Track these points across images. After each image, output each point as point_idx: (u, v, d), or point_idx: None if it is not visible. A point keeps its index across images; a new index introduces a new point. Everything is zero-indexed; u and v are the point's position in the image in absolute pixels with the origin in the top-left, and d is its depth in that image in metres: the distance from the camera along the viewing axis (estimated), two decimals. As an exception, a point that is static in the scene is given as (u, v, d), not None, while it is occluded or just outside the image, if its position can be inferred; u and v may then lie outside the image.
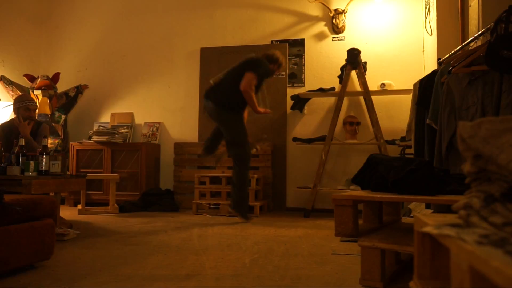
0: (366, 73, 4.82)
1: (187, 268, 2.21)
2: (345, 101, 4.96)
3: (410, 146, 3.81)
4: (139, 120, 5.80)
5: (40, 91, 5.28)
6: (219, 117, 3.91)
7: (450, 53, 3.01)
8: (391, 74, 5.00)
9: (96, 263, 2.31)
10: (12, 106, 4.02)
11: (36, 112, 5.01)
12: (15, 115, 3.91)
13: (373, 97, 4.64)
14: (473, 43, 2.75)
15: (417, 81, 3.33)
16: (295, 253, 2.60)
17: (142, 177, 5.25)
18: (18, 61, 5.73)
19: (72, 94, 5.81)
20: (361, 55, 4.70)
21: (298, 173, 5.18)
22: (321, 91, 4.93)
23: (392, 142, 4.54)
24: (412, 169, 1.80)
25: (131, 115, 5.80)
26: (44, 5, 6.18)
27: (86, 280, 1.99)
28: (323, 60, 5.27)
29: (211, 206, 4.70)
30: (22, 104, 3.85)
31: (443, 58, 3.15)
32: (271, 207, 5.01)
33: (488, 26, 2.43)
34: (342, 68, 4.88)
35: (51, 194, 3.32)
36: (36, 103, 4.25)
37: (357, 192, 1.99)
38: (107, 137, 5.32)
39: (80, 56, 6.06)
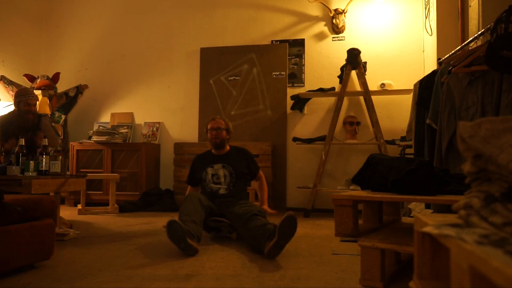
0: (366, 73, 4.82)
1: (187, 268, 2.21)
2: (345, 101, 4.96)
3: (410, 146, 3.81)
4: (139, 120, 5.80)
5: (40, 91, 5.27)
6: None
7: (450, 53, 3.01)
8: (391, 74, 5.00)
9: (96, 263, 2.31)
10: (12, 103, 4.00)
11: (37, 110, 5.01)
12: (15, 109, 3.89)
13: (373, 97, 4.64)
14: (473, 43, 2.75)
15: (417, 81, 3.33)
16: (295, 253, 2.60)
17: (142, 177, 5.25)
18: (18, 61, 5.73)
19: (72, 94, 5.81)
20: (361, 55, 4.70)
21: (298, 173, 5.18)
22: (321, 91, 4.93)
23: (392, 142, 4.54)
24: (412, 169, 1.80)
25: (131, 115, 5.80)
26: (44, 5, 6.18)
27: (86, 280, 1.99)
28: (323, 60, 5.27)
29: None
30: (22, 99, 3.83)
31: (443, 58, 3.15)
32: (271, 207, 5.00)
33: (488, 26, 2.43)
34: (342, 68, 4.89)
35: (51, 194, 3.32)
36: (37, 97, 4.24)
37: (357, 192, 1.99)
38: (107, 137, 5.32)
39: (80, 56, 6.06)
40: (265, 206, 3.32)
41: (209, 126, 3.36)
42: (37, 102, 4.22)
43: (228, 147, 3.40)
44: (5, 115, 4.02)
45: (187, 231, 2.48)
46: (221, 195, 3.18)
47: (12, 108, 4.13)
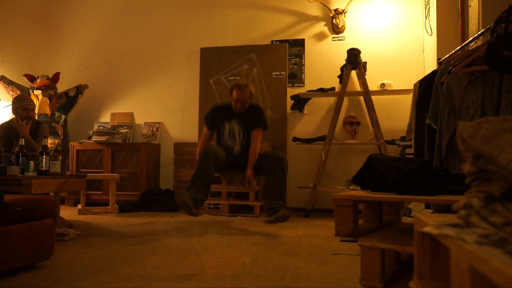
0: (366, 73, 4.82)
1: (187, 268, 2.21)
2: (345, 101, 4.96)
3: (410, 146, 3.81)
4: (139, 120, 5.80)
5: (40, 91, 5.28)
6: None
7: (450, 53, 3.01)
8: (391, 74, 5.00)
9: (96, 263, 2.31)
10: (11, 106, 4.01)
11: (36, 112, 5.02)
12: (13, 115, 3.91)
13: (373, 97, 4.64)
14: (473, 43, 2.75)
15: (417, 81, 3.33)
16: (295, 253, 2.60)
17: (142, 177, 5.25)
18: (18, 61, 5.73)
19: (72, 94, 5.81)
20: (361, 55, 4.70)
21: (298, 173, 5.18)
22: (321, 91, 4.93)
23: (392, 142, 4.54)
24: (412, 169, 1.80)
25: (131, 115, 5.80)
26: (44, 5, 6.18)
27: (86, 280, 1.99)
28: (323, 60, 5.27)
29: (211, 206, 4.70)
30: (20, 104, 3.85)
31: (443, 58, 3.15)
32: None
33: (488, 26, 2.43)
34: (342, 68, 4.89)
35: (51, 194, 3.32)
36: (34, 102, 4.24)
37: (357, 192, 1.99)
38: (107, 137, 5.32)
39: (80, 56, 6.06)
40: (249, 171, 3.57)
41: (234, 95, 3.63)
42: (35, 107, 4.21)
43: (247, 105, 3.71)
44: (5, 123, 4.03)
45: (194, 200, 3.15)
46: (235, 154, 3.63)
47: (11, 111, 4.12)
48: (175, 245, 2.82)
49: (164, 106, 5.73)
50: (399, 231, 2.05)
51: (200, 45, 5.59)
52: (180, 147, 5.31)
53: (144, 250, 2.68)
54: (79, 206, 4.61)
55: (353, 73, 4.79)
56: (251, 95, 3.70)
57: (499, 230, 0.78)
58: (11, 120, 3.94)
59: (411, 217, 3.14)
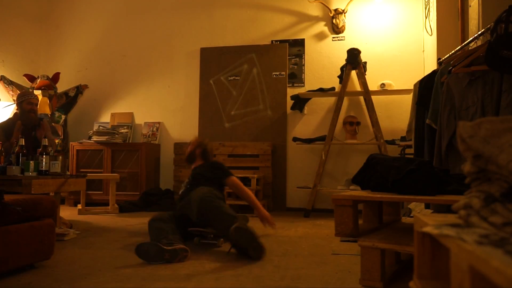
0: (366, 73, 4.82)
1: (187, 268, 2.21)
2: (345, 101, 4.96)
3: (410, 146, 3.81)
4: (139, 120, 5.80)
5: (40, 91, 5.27)
6: None
7: (450, 53, 3.01)
8: (391, 74, 5.00)
9: (96, 263, 2.31)
10: (13, 105, 4.03)
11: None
12: (17, 110, 3.95)
13: (373, 97, 4.64)
14: (473, 43, 2.75)
15: (417, 81, 3.33)
16: (295, 253, 2.60)
17: (142, 177, 5.25)
18: (18, 61, 5.73)
19: (72, 94, 5.81)
20: (361, 55, 4.70)
21: (298, 173, 5.18)
22: (321, 91, 4.93)
23: (392, 142, 4.54)
24: (412, 169, 1.80)
25: (131, 115, 5.80)
26: (44, 5, 6.18)
27: (86, 280, 1.99)
28: (323, 60, 5.27)
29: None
30: (25, 98, 3.90)
31: (443, 58, 3.15)
32: (271, 207, 5.01)
33: (488, 26, 2.43)
34: (342, 68, 4.89)
35: (51, 194, 3.32)
36: (38, 97, 4.28)
37: (357, 192, 1.99)
38: (107, 137, 5.32)
39: (80, 56, 6.06)
40: (265, 214, 3.13)
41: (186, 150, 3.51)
42: (38, 102, 4.25)
43: (201, 162, 3.38)
44: (7, 119, 4.05)
45: (163, 240, 2.38)
46: (194, 199, 2.86)
47: (12, 108, 4.14)
48: (175, 245, 2.82)
49: (164, 106, 5.73)
50: (399, 231, 2.05)
51: (200, 45, 5.60)
52: (180, 147, 5.30)
53: (144, 250, 2.68)
54: (79, 206, 4.61)
55: (353, 73, 4.79)
56: (203, 146, 3.40)
57: (499, 230, 0.78)
58: (13, 116, 3.96)
59: (411, 217, 3.14)
